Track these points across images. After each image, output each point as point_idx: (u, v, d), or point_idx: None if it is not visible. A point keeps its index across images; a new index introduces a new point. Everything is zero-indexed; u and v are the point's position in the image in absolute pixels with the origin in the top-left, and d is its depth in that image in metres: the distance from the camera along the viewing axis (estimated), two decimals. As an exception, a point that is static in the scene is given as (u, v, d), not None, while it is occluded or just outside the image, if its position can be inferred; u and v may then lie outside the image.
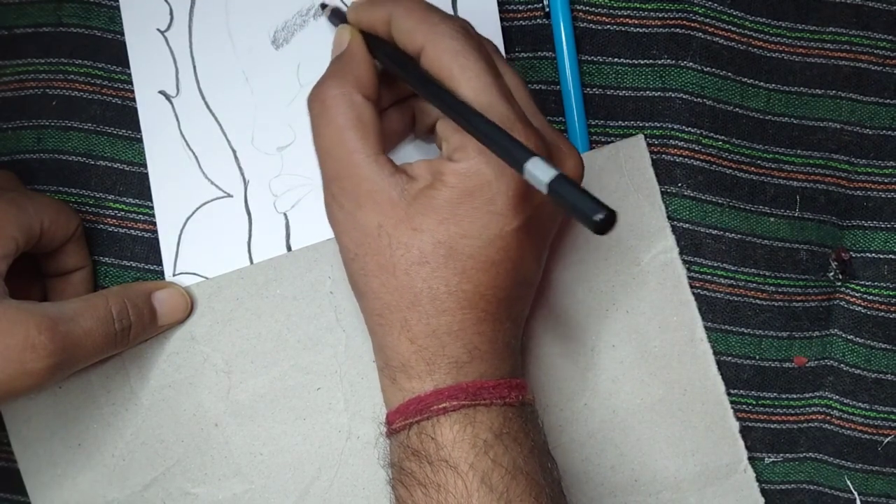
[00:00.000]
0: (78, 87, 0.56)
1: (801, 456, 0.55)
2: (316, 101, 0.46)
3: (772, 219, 0.55)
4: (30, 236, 0.50)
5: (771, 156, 0.55)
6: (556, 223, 0.49)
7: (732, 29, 0.55)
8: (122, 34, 0.55)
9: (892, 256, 0.55)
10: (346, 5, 0.54)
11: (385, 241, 0.44)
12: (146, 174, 0.55)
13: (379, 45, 0.47)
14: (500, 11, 0.55)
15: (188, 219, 0.55)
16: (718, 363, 0.55)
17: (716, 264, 0.55)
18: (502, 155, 0.40)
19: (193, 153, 0.55)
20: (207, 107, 0.55)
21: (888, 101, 0.55)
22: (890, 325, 0.55)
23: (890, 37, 0.55)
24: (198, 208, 0.55)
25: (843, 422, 0.55)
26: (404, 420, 0.44)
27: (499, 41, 0.54)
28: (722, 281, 0.55)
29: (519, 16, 0.56)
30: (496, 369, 0.45)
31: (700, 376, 0.54)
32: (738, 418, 0.55)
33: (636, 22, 0.55)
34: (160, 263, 0.55)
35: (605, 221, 0.36)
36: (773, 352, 0.55)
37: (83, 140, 0.56)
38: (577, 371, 0.54)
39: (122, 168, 0.56)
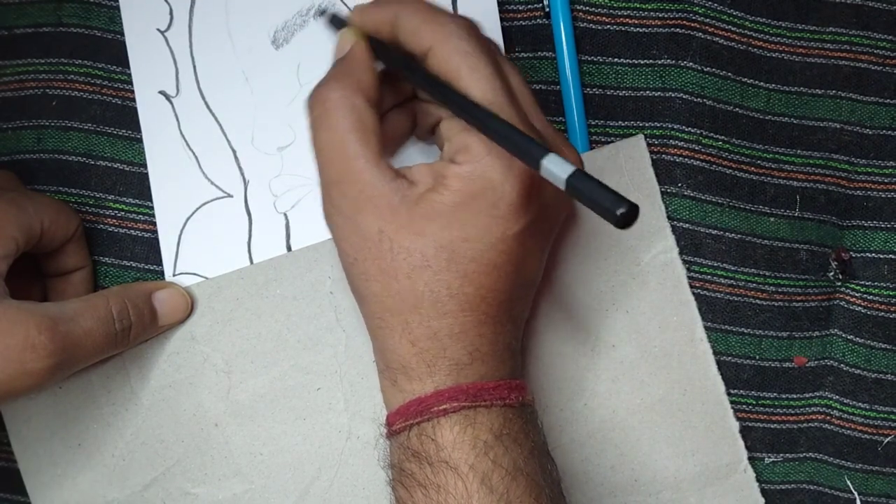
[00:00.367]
0: (78, 87, 0.56)
1: (801, 456, 0.55)
2: (316, 103, 0.45)
3: (772, 219, 0.55)
4: (30, 236, 0.50)
5: (771, 156, 0.55)
6: (558, 225, 0.49)
7: (732, 29, 0.55)
8: (122, 34, 0.55)
9: (892, 256, 0.55)
10: (348, 8, 0.54)
11: (386, 245, 0.44)
12: (146, 174, 0.55)
13: (384, 47, 0.46)
14: (500, 11, 0.55)
15: (188, 219, 0.55)
16: (718, 363, 0.55)
17: (716, 264, 0.55)
18: (518, 154, 0.40)
19: (193, 153, 0.55)
20: (207, 107, 0.55)
21: (888, 101, 0.55)
22: (890, 325, 0.55)
23: (890, 37, 0.55)
24: (198, 208, 0.55)
25: (843, 422, 0.55)
26: (404, 421, 0.44)
27: (499, 41, 0.54)
28: (722, 281, 0.55)
29: (519, 16, 0.56)
30: (496, 371, 0.45)
31: (700, 376, 0.54)
32: (738, 418, 0.55)
33: (636, 22, 0.55)
34: (160, 263, 0.55)
35: (629, 215, 0.35)
36: (773, 352, 0.55)
37: (83, 140, 0.56)
38: (577, 371, 0.54)
39: (122, 168, 0.56)
